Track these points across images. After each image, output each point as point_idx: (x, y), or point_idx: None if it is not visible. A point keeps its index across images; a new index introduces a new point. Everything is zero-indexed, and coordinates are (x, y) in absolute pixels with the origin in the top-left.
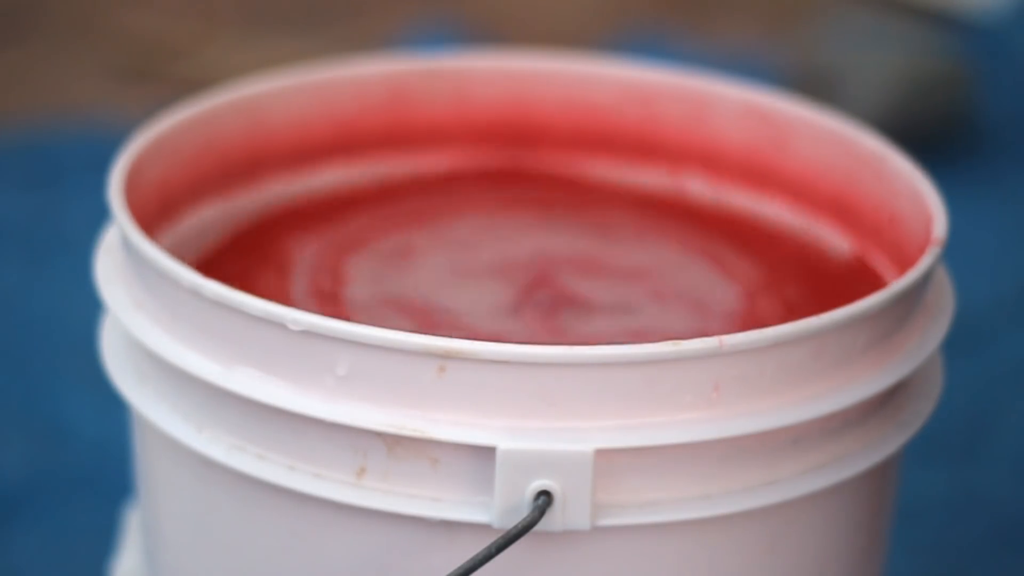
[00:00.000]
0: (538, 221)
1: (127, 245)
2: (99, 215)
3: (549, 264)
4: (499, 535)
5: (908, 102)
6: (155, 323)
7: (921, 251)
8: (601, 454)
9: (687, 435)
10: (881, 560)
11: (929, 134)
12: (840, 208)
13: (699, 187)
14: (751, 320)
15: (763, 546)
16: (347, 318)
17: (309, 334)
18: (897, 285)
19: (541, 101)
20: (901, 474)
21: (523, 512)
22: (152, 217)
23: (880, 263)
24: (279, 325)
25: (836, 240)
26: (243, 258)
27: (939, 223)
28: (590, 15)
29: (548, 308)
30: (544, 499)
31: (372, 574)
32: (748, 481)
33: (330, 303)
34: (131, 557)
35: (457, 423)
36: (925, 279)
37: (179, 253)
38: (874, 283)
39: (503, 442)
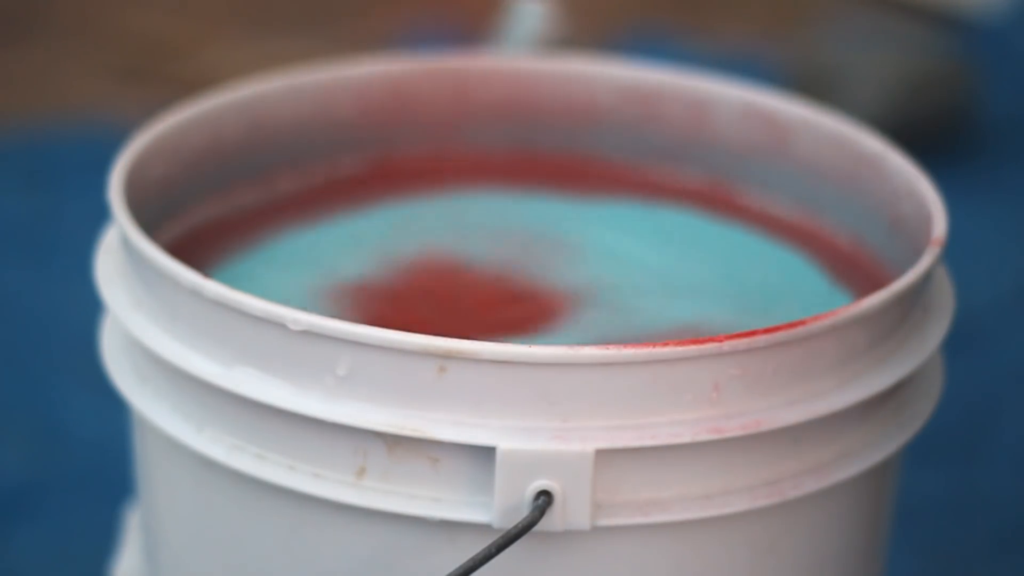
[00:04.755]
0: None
1: (127, 245)
2: (99, 215)
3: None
4: (499, 535)
5: (908, 102)
6: (155, 323)
7: (921, 251)
8: (601, 454)
9: (687, 435)
10: (881, 560)
11: (929, 134)
12: (840, 208)
13: (699, 186)
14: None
15: (763, 546)
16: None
17: (309, 334)
18: (897, 285)
19: (541, 101)
20: (901, 474)
21: (523, 512)
22: (152, 217)
23: (880, 264)
24: (279, 325)
25: (836, 240)
26: (243, 257)
27: (939, 223)
28: (590, 15)
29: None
30: (544, 499)
31: (372, 574)
32: (748, 481)
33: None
34: (131, 557)
35: (457, 423)
36: (925, 279)
37: (179, 253)
38: (874, 283)
39: (503, 442)
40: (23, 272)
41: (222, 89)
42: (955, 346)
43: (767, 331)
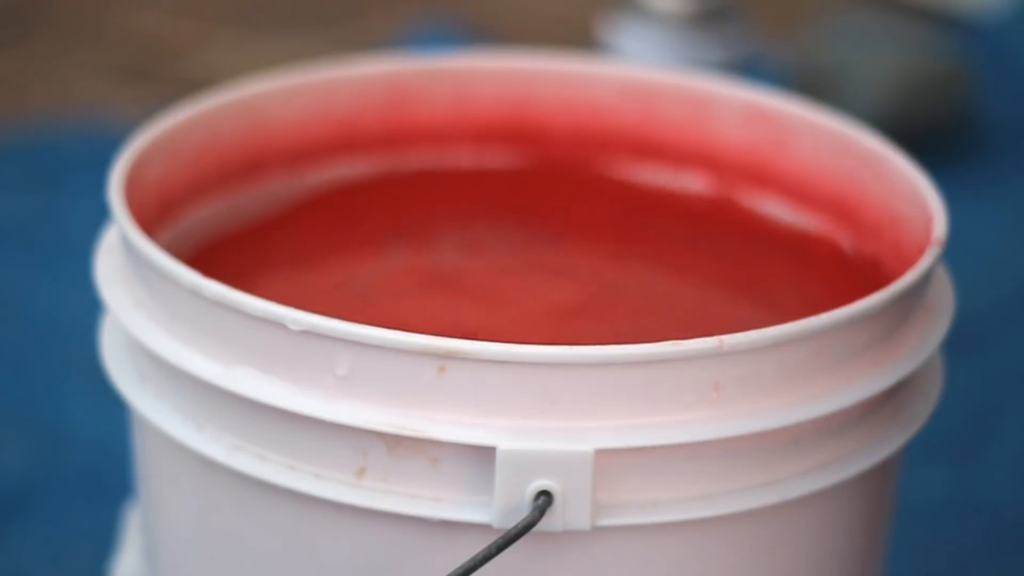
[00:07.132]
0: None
1: (127, 245)
2: (99, 215)
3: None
4: (499, 535)
5: (908, 102)
6: (155, 323)
7: (921, 251)
8: (601, 454)
9: (687, 435)
10: (881, 560)
11: (929, 134)
12: (840, 208)
13: (699, 187)
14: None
15: (763, 546)
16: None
17: (309, 334)
18: (897, 285)
19: (541, 101)
20: (901, 474)
21: (523, 512)
22: (152, 217)
23: (880, 263)
24: (279, 325)
25: (836, 240)
26: (244, 258)
27: (939, 223)
28: (590, 15)
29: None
30: (544, 499)
31: (372, 574)
32: (748, 481)
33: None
34: (131, 557)
35: (457, 423)
36: (925, 279)
37: (179, 253)
38: (874, 283)
39: (503, 442)
40: (23, 272)
41: (222, 89)
42: (955, 346)
43: (767, 331)
